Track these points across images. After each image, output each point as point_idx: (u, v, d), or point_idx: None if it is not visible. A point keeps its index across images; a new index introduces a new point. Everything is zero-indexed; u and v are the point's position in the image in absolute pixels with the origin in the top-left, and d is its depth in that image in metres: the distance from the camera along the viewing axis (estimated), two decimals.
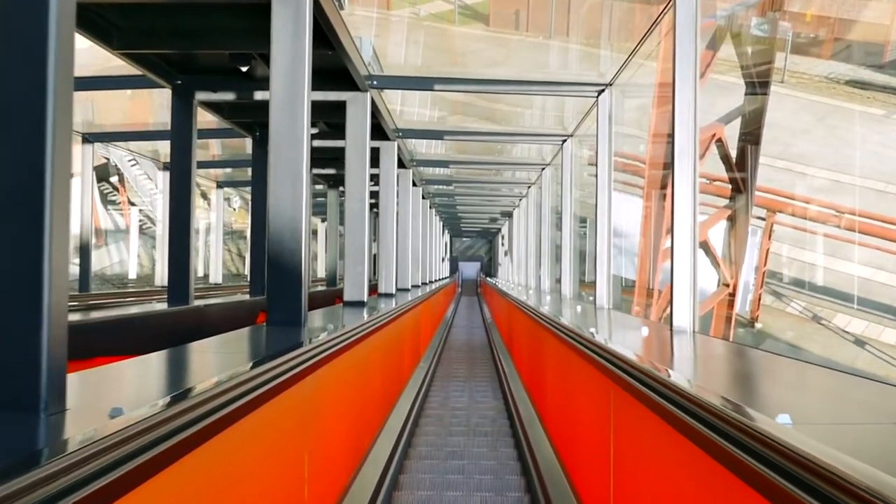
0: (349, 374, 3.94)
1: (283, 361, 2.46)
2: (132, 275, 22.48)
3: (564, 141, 8.44)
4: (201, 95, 6.19)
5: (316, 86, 6.32)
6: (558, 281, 10.89)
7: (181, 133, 6.16)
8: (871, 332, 15.81)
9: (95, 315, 5.06)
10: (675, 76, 3.83)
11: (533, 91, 6.22)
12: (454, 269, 39.73)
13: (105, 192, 27.38)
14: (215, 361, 2.56)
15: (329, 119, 7.65)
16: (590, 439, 3.29)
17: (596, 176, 6.19)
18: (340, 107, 6.18)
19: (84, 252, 8.58)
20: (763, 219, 14.94)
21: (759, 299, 15.15)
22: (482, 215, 23.79)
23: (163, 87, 6.16)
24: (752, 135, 11.16)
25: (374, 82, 5.98)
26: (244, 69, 5.51)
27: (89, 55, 6.44)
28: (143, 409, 1.50)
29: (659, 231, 11.48)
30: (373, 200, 10.90)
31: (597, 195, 6.18)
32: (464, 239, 43.13)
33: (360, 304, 5.95)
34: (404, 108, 9.36)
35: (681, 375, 2.04)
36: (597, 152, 6.17)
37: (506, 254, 25.02)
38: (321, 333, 3.53)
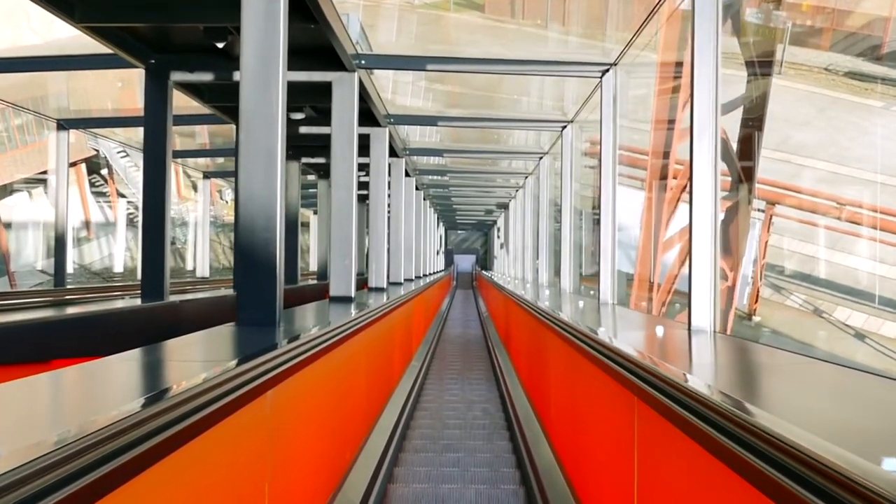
0: (328, 381, 3.53)
1: (239, 374, 2.06)
2: (118, 268, 22.04)
3: (564, 127, 8.04)
4: (177, 76, 5.76)
5: (299, 65, 5.92)
6: (557, 274, 10.51)
7: (155, 117, 5.74)
8: (871, 325, 15.63)
9: (55, 313, 4.66)
10: (694, 50, 3.43)
11: (532, 71, 5.82)
12: (449, 262, 39.35)
13: (96, 183, 26.95)
14: (154, 373, 2.15)
15: (316, 103, 7.23)
16: (607, 462, 2.88)
17: (599, 164, 5.79)
18: (328, 90, 5.77)
19: (59, 245, 8.15)
20: (762, 211, 14.68)
21: (758, 292, 14.90)
22: (478, 207, 23.39)
23: (135, 66, 5.74)
24: (753, 124, 10.92)
25: (362, 62, 5.57)
26: (220, 45, 5.10)
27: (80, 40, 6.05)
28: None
29: (660, 223, 11.13)
30: (364, 192, 10.51)
31: (600, 184, 5.78)
32: (459, 231, 42.73)
33: (346, 300, 5.55)
34: (396, 96, 8.94)
35: (739, 401, 1.64)
36: (601, 138, 5.77)
37: (502, 246, 24.63)
38: (296, 335, 3.13)
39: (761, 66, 12.19)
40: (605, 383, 2.79)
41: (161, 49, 5.67)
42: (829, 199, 16.43)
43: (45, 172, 22.18)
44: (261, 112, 3.39)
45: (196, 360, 2.47)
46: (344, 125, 5.61)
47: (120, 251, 23.46)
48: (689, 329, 3.31)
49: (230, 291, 8.07)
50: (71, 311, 5.10)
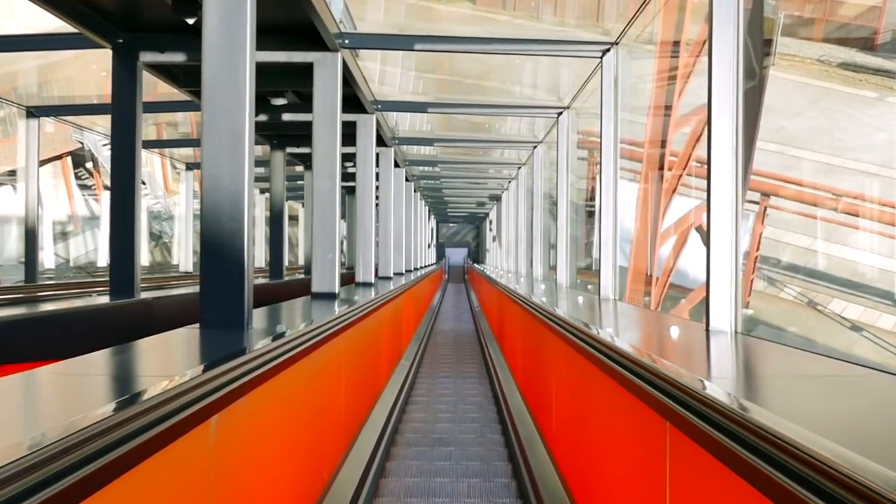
0: (301, 391, 3.15)
1: (179, 393, 1.69)
2: (103, 262, 21.59)
3: (560, 114, 7.67)
4: (147, 57, 5.37)
5: (278, 44, 5.53)
6: (552, 268, 10.16)
7: (123, 101, 5.34)
8: (867, 317, 15.48)
9: (10, 312, 4.27)
10: (713, 17, 3.07)
11: (528, 51, 5.45)
12: (441, 255, 38.98)
13: (81, 177, 26.45)
14: (79, 392, 1.77)
15: (299, 88, 6.84)
16: (629, 496, 2.51)
17: (600, 151, 5.43)
18: (311, 73, 5.38)
19: (30, 240, 7.74)
20: (755, 202, 14.49)
21: (752, 284, 14.71)
22: (469, 199, 23.01)
23: (102, 47, 5.35)
24: (749, 113, 10.62)
25: (346, 41, 5.19)
26: (191, 22, 4.70)
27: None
28: None
29: (657, 215, 10.81)
30: (353, 183, 10.12)
31: (600, 172, 5.42)
32: (450, 224, 42.36)
33: (330, 297, 5.18)
34: (384, 87, 8.55)
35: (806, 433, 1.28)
36: (601, 124, 5.41)
37: (494, 239, 24.29)
38: (265, 338, 2.76)
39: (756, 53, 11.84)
40: (623, 398, 2.43)
41: (129, 27, 5.28)
42: (825, 190, 16.21)
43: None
44: (226, 89, 3.02)
45: (134, 374, 2.09)
46: (326, 109, 5.24)
47: (105, 245, 23.02)
48: (708, 330, 2.96)
49: None
50: (28, 310, 4.71)
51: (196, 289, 7.43)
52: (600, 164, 5.44)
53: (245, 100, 3.01)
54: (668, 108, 9.91)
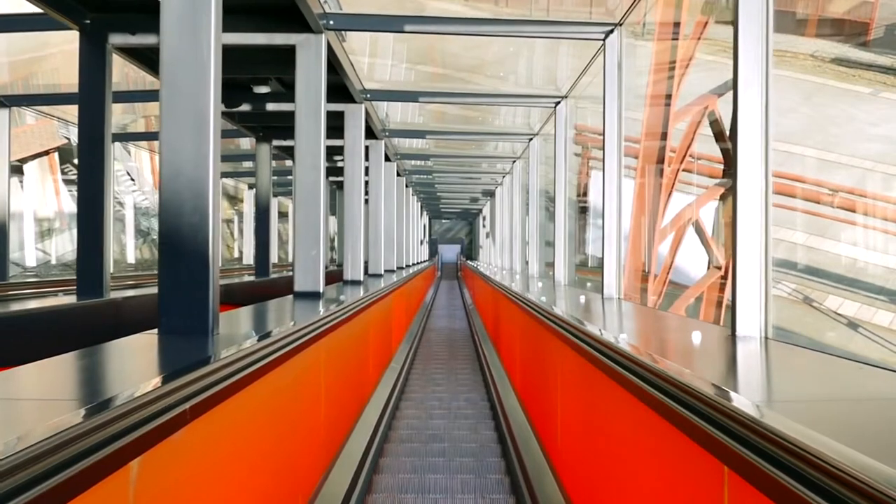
0: (270, 407, 2.78)
1: (110, 420, 1.33)
2: None
3: (558, 103, 7.32)
4: (116, 39, 4.99)
5: (257, 25, 5.14)
6: (549, 265, 9.83)
7: (91, 88, 4.96)
8: (864, 314, 15.35)
9: None
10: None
11: (526, 33, 5.09)
12: (433, 252, 38.62)
13: (69, 173, 26.00)
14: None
15: (283, 74, 6.47)
16: None
17: (603, 143, 5.08)
18: (295, 59, 5.01)
19: None
20: None
21: None
22: (462, 194, 22.66)
23: (69, 28, 4.97)
24: None
25: (331, 21, 4.83)
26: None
27: None
28: None
29: (655, 210, 10.50)
30: (341, 178, 9.75)
31: (604, 166, 5.08)
32: (443, 221, 42.00)
33: (314, 296, 4.82)
34: (372, 84, 8.19)
35: None
36: (603, 112, 5.06)
37: (487, 235, 23.95)
38: (230, 347, 2.41)
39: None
40: (653, 423, 2.08)
41: (97, 7, 4.90)
42: (820, 185, 16.01)
43: (19, 161, 21.34)
44: (188, 65, 2.66)
45: (51, 397, 1.72)
46: (310, 94, 4.87)
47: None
48: (734, 335, 2.62)
49: None
50: None
51: None
52: (603, 155, 5.10)
53: (209, 78, 2.65)
54: (668, 97, 9.58)
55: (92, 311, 4.76)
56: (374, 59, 7.74)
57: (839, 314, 15.22)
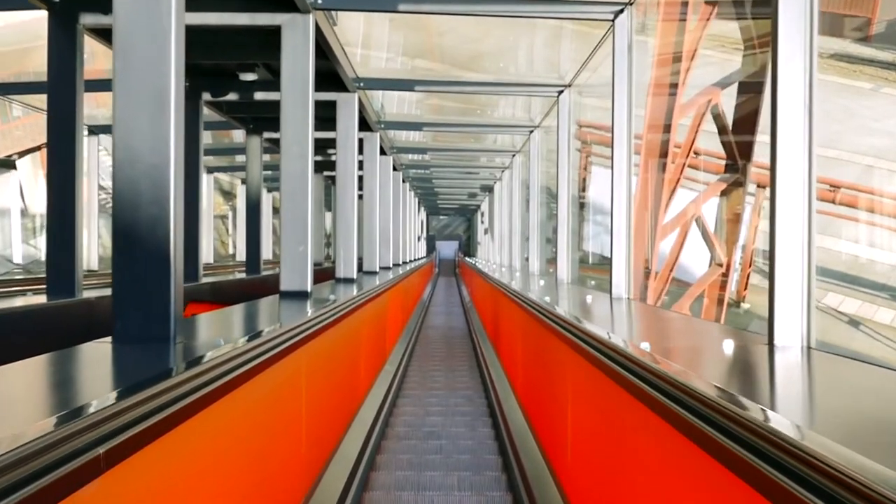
0: (238, 428, 2.42)
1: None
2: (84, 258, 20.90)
3: (561, 93, 6.98)
4: (88, 19, 4.64)
5: (240, 5, 4.83)
6: (549, 262, 9.50)
7: (61, 72, 4.62)
8: (865, 311, 15.17)
9: None
10: None
11: (530, 13, 4.76)
12: (431, 248, 38.27)
13: None
14: None
15: (271, 60, 6.13)
16: None
17: (612, 133, 4.75)
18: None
19: None
20: (752, 194, 14.10)
21: (748, 278, 14.31)
22: (461, 190, 22.32)
23: (37, 7, 4.63)
24: (751, 97, 10.29)
25: (318, 0, 4.48)
26: None
27: None
28: None
29: (658, 205, 10.21)
30: (334, 173, 9.40)
31: (613, 159, 4.74)
32: (441, 217, 41.64)
33: (301, 296, 4.48)
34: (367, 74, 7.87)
35: None
36: (612, 100, 4.72)
37: (486, 232, 23.61)
38: (191, 358, 2.08)
39: (760, 45, 11.49)
40: (687, 452, 1.74)
41: None
42: (823, 181, 15.78)
43: (10, 156, 21.03)
44: (145, 31, 2.31)
45: None
46: (297, 78, 4.53)
47: (91, 240, 22.22)
48: (771, 345, 2.28)
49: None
50: None
51: None
52: (612, 145, 4.76)
53: (170, 47, 2.31)
54: (674, 86, 9.24)
55: (61, 311, 4.42)
56: (367, 51, 7.40)
57: (840, 312, 15.00)
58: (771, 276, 2.32)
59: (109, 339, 2.32)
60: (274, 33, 4.67)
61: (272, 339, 2.58)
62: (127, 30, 2.30)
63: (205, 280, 7.29)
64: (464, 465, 4.79)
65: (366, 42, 7.24)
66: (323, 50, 5.57)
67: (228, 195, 23.99)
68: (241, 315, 3.36)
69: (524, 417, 4.95)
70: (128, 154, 2.30)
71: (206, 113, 8.45)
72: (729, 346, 2.29)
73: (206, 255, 16.29)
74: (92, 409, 1.49)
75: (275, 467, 2.73)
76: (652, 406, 1.97)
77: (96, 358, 2.20)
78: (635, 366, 2.10)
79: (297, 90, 4.52)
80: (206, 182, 16.26)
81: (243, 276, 9.28)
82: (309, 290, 4.55)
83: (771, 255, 2.32)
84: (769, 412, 1.54)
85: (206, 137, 13.25)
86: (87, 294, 4.76)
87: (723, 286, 12.08)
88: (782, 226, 2.30)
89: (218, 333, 2.74)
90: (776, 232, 2.30)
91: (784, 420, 1.47)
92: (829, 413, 1.68)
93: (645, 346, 2.26)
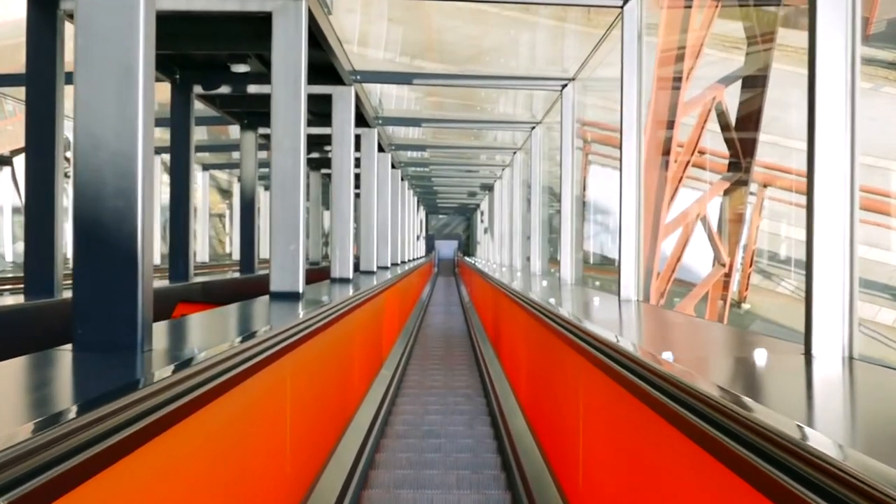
0: (212, 443, 2.16)
1: None
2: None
3: (565, 86, 6.74)
4: (69, 4, 4.41)
5: None
6: (551, 262, 9.27)
7: (40, 61, 4.39)
8: (867, 312, 14.93)
9: None
10: None
11: (539, 0, 4.51)
12: (430, 248, 38.02)
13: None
14: None
15: (263, 51, 5.88)
16: None
17: (620, 125, 4.51)
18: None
19: None
20: (753, 193, 13.96)
21: (748, 278, 14.16)
22: (460, 188, 22.07)
23: None
24: (754, 95, 10.16)
25: None
26: None
27: None
28: None
29: (660, 204, 10.00)
30: (330, 171, 9.16)
31: (621, 154, 4.51)
32: (440, 216, 41.39)
33: (292, 297, 4.24)
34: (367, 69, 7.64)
35: None
36: (621, 91, 4.49)
37: (486, 231, 23.37)
38: (161, 369, 1.84)
39: (764, 41, 11.35)
40: (728, 483, 1.50)
41: None
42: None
43: (3, 154, 20.82)
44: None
45: None
46: (288, 67, 4.29)
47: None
48: (809, 354, 2.05)
49: (165, 282, 6.74)
50: None
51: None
52: (621, 140, 4.52)
53: (138, 19, 2.07)
54: (677, 80, 9.00)
55: (39, 312, 4.18)
56: (364, 49, 7.17)
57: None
58: (808, 283, 2.09)
59: (70, 346, 2.09)
60: (265, 20, 4.43)
61: (253, 347, 2.33)
62: (90, 1, 2.06)
63: (197, 280, 7.06)
64: (464, 454, 4.77)
65: (363, 39, 7.02)
66: (317, 39, 5.33)
67: (227, 194, 23.73)
68: (222, 319, 3.12)
69: (528, 427, 4.70)
70: (91, 140, 2.05)
71: (202, 108, 8.23)
72: (762, 357, 2.05)
73: (202, 254, 16.05)
74: (26, 435, 1.25)
75: (254, 491, 2.49)
76: (679, 425, 1.73)
77: (52, 368, 1.96)
78: (664, 382, 1.86)
79: (288, 79, 4.28)
80: (201, 179, 16.01)
81: (237, 275, 9.04)
82: (300, 290, 4.31)
83: (808, 261, 2.08)
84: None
85: (202, 133, 13.03)
86: (67, 294, 4.52)
87: (725, 286, 11.94)
88: (821, 229, 2.06)
89: (195, 340, 2.50)
90: (813, 236, 2.07)
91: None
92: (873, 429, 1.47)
93: (667, 355, 2.02)
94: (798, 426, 1.37)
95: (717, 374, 1.91)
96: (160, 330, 2.51)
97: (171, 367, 1.90)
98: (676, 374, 1.73)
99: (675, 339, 2.76)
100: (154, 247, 2.18)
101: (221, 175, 21.44)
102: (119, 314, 2.06)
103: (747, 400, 1.45)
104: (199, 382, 1.93)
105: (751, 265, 14.25)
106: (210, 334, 2.68)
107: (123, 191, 2.05)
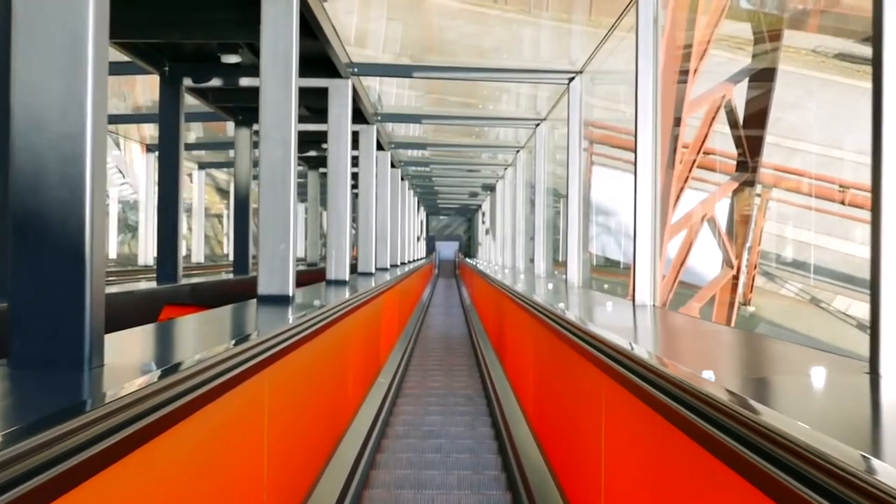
0: (175, 474, 1.83)
1: None
2: None
3: (572, 79, 6.43)
4: None
5: None
6: (556, 263, 8.97)
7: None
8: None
9: None
10: None
11: None
12: (431, 249, 37.72)
13: None
14: None
15: (255, 40, 5.57)
16: None
17: (636, 117, 4.20)
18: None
19: None
20: (758, 195, 13.76)
21: (753, 281, 13.94)
22: (461, 188, 21.79)
23: None
24: (762, 94, 9.98)
25: None
26: None
27: None
28: None
29: (665, 206, 9.73)
30: (326, 169, 8.86)
31: (636, 150, 4.20)
32: (441, 217, 41.08)
33: (281, 301, 3.93)
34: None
35: None
36: (636, 82, 4.18)
37: (487, 232, 23.07)
38: (105, 393, 1.53)
39: (771, 40, 11.11)
40: None
41: None
42: (830, 181, 15.38)
43: None
44: None
45: None
46: (278, 54, 3.98)
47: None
48: (876, 374, 1.74)
49: (149, 284, 6.43)
50: None
51: (124, 287, 6.19)
52: (636, 136, 4.22)
53: None
54: (684, 73, 8.68)
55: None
56: (363, 49, 6.86)
57: (848, 315, 14.59)
58: (874, 298, 1.78)
59: (5, 361, 1.77)
60: (254, 3, 4.12)
61: (224, 362, 2.01)
62: None
63: (186, 281, 6.75)
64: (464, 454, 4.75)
65: (361, 39, 6.72)
66: (311, 28, 5.03)
67: (226, 193, 23.40)
68: (197, 326, 2.80)
69: (536, 443, 4.38)
70: (30, 120, 1.75)
71: (196, 104, 7.92)
72: (820, 376, 1.74)
73: (198, 254, 15.73)
74: None
75: None
76: (736, 465, 1.42)
77: None
78: (716, 413, 1.54)
79: (278, 65, 3.97)
80: (197, 178, 15.69)
81: (229, 276, 8.74)
82: (290, 294, 3.99)
83: (873, 275, 1.78)
84: None
85: (199, 131, 12.72)
86: None
87: (733, 288, 11.74)
88: (888, 244, 1.76)
89: (158, 352, 2.19)
90: (881, 251, 1.77)
91: None
92: None
93: (708, 374, 1.71)
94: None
95: (776, 400, 1.59)
96: (120, 340, 2.20)
97: (117, 390, 1.58)
98: (738, 406, 1.41)
99: (713, 355, 2.44)
100: (105, 244, 1.86)
101: (220, 174, 21.13)
102: (63, 324, 1.75)
103: (838, 444, 1.13)
104: (150, 407, 1.62)
105: (755, 267, 14.01)
106: (178, 345, 2.37)
107: (68, 179, 1.74)
